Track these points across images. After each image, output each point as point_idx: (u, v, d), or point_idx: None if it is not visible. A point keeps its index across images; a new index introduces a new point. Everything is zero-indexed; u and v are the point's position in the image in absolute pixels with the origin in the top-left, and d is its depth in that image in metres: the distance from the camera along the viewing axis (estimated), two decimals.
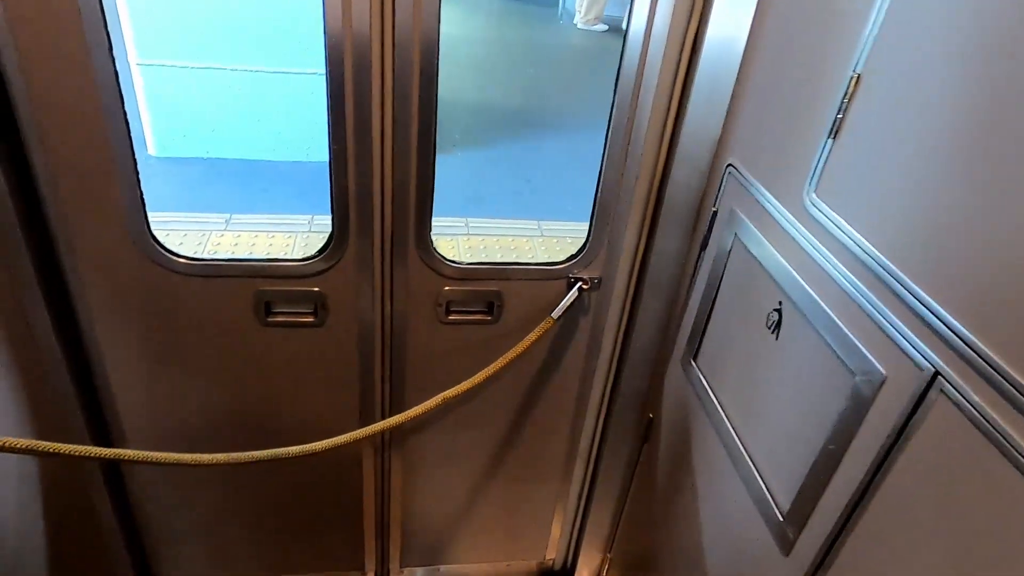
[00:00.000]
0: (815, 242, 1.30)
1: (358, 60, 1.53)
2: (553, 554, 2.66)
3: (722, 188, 1.68)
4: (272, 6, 5.08)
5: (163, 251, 1.68)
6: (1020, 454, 0.86)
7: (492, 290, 1.91)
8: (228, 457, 1.57)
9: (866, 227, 1.18)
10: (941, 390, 0.99)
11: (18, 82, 1.42)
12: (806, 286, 1.32)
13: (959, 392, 0.96)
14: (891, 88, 1.13)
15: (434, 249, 1.82)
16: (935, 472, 1.01)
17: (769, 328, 1.46)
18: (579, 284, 1.91)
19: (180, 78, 5.13)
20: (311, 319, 1.86)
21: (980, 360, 0.92)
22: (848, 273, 1.21)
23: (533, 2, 11.84)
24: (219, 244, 4.57)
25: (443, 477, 2.33)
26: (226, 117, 5.44)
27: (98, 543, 2.08)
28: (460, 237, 5.25)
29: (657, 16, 1.59)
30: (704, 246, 1.76)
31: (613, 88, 1.69)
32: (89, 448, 1.32)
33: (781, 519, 1.39)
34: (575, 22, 10.84)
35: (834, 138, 1.25)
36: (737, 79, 1.62)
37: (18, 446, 1.19)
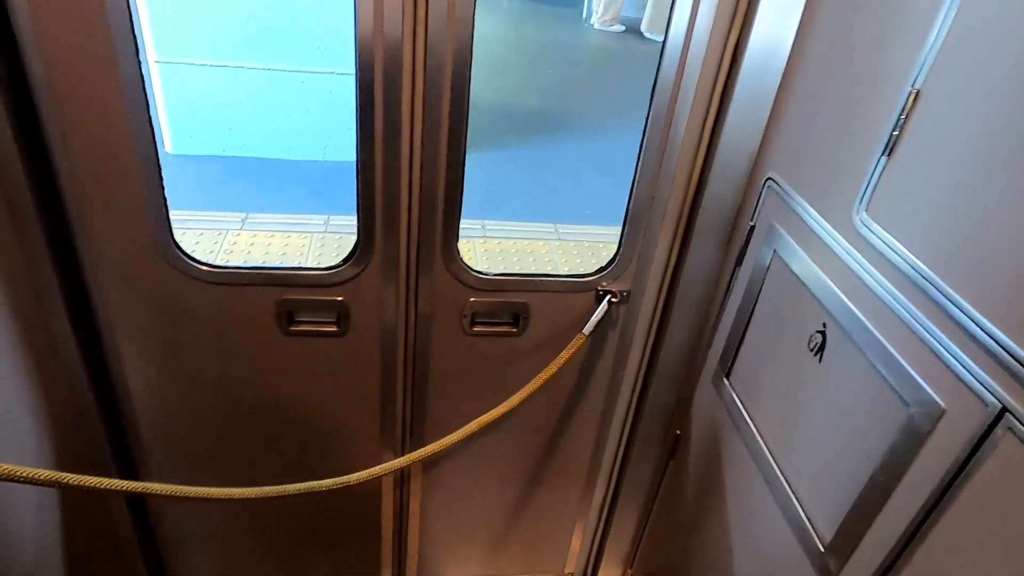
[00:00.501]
0: (864, 263, 1.25)
1: (389, 64, 1.49)
2: (572, 568, 2.61)
3: (760, 202, 1.63)
4: (290, 5, 5.05)
5: (185, 258, 1.65)
6: None
7: (519, 302, 1.87)
8: (258, 492, 1.53)
9: (923, 249, 1.12)
10: (1009, 428, 0.94)
11: (42, 82, 1.38)
12: (854, 308, 1.27)
13: None
14: (953, 105, 1.08)
15: (460, 259, 1.78)
16: (999, 513, 0.96)
17: (811, 350, 1.40)
18: (608, 297, 1.86)
19: (198, 76, 5.11)
20: (334, 329, 1.82)
21: None
22: (902, 297, 1.16)
23: (558, 3, 11.78)
24: (235, 243, 4.55)
25: (462, 487, 2.29)
26: (243, 115, 5.42)
27: (115, 550, 2.05)
28: (476, 240, 5.21)
29: (698, 23, 1.54)
30: (740, 261, 1.71)
31: (649, 96, 1.64)
32: (114, 481, 1.28)
33: (822, 549, 1.34)
34: (591, 22, 10.78)
35: (889, 155, 1.19)
36: (779, 90, 1.56)
37: (41, 478, 1.15)
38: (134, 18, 1.38)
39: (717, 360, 1.80)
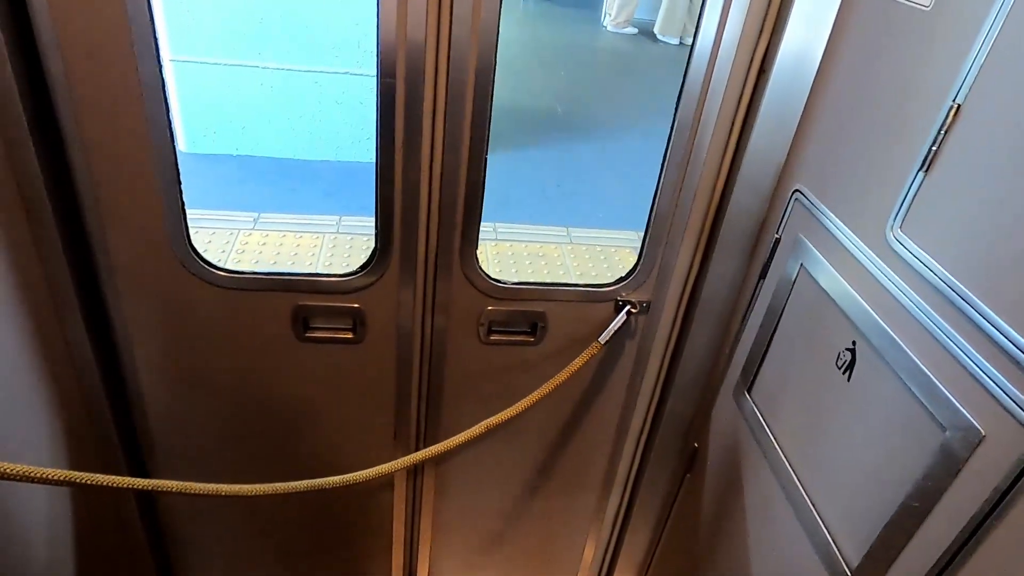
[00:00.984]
0: (898, 280, 1.21)
1: (411, 69, 1.47)
2: None
3: (787, 214, 1.59)
4: (305, 5, 5.04)
5: (201, 262, 1.63)
6: None
7: (537, 311, 1.84)
8: (267, 488, 1.51)
9: (960, 268, 1.09)
10: None
11: (61, 82, 1.37)
12: (886, 327, 1.23)
13: None
14: (995, 121, 1.04)
15: (479, 267, 1.76)
16: None
17: (840, 368, 1.37)
18: (627, 308, 1.83)
19: (212, 75, 5.11)
20: (350, 335, 1.80)
21: None
22: (937, 316, 1.13)
23: (576, 5, 11.75)
24: (247, 243, 4.55)
25: (475, 495, 2.27)
26: (256, 115, 5.42)
27: (126, 551, 2.04)
28: (488, 242, 5.18)
29: (726, 31, 1.51)
30: (764, 274, 1.68)
31: (675, 104, 1.61)
32: (126, 479, 1.27)
33: (848, 573, 1.31)
34: (604, 24, 10.75)
35: (926, 171, 1.16)
36: (808, 100, 1.53)
37: (54, 477, 1.14)
38: (153, 19, 1.36)
39: (739, 373, 1.77)
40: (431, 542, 2.35)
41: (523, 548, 2.47)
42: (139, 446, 1.91)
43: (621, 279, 1.84)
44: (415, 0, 1.39)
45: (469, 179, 1.61)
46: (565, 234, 5.47)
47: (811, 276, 1.48)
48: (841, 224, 1.38)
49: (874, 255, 1.28)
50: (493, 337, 1.88)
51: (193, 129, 5.38)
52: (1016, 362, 0.97)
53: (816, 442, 1.45)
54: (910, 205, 1.20)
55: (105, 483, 1.21)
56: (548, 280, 2.04)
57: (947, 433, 1.09)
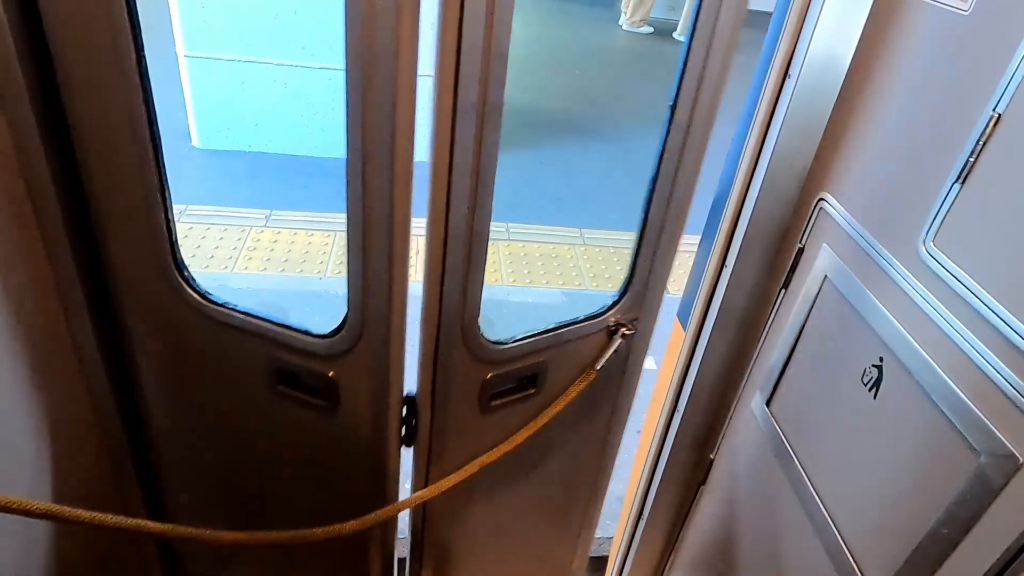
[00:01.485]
0: (930, 297, 1.16)
1: None
2: None
3: (811, 224, 1.54)
4: (320, 0, 5.02)
5: (190, 290, 1.46)
6: None
7: (539, 361, 1.62)
8: (250, 537, 1.43)
9: (997, 286, 1.04)
10: None
11: (71, 83, 1.32)
12: (917, 345, 1.18)
13: None
14: None
15: (481, 335, 1.50)
16: None
17: (866, 384, 1.32)
18: (621, 331, 1.65)
19: (226, 71, 5.10)
20: (322, 403, 1.55)
21: None
22: (971, 335, 1.08)
23: (592, 3, 11.69)
24: (258, 240, 4.53)
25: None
26: (270, 111, 5.41)
27: (135, 556, 2.01)
28: (500, 243, 5.15)
29: None
30: (786, 284, 1.63)
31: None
32: (117, 519, 1.21)
33: None
34: (620, 24, 10.68)
35: (963, 183, 1.11)
36: (835, 106, 1.48)
37: (65, 515, 1.10)
38: (159, 16, 1.28)
39: (758, 386, 1.72)
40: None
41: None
42: (149, 460, 1.84)
43: (613, 303, 1.72)
44: None
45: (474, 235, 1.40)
46: (578, 235, 5.42)
47: (836, 288, 1.43)
48: (869, 235, 1.33)
49: (904, 269, 1.23)
50: (494, 403, 1.64)
51: (207, 125, 5.38)
52: None
53: (839, 460, 1.40)
54: (944, 218, 1.15)
55: (88, 520, 1.16)
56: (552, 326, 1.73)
57: (981, 458, 1.04)
